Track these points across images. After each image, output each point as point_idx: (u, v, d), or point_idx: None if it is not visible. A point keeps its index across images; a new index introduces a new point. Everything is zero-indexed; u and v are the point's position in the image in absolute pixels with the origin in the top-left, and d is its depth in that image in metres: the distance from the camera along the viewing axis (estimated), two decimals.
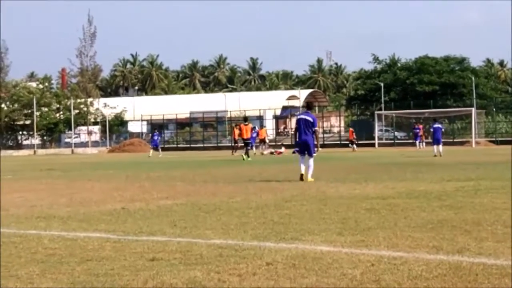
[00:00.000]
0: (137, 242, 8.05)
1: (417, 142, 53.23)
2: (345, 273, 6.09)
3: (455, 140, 69.90)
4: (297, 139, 19.06)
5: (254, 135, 48.02)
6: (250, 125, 41.96)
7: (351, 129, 59.55)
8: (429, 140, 57.41)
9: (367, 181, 17.40)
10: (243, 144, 39.69)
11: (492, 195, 12.79)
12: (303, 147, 18.49)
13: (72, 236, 8.68)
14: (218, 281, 5.94)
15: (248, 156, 36.82)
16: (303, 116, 18.92)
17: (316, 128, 18.74)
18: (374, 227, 8.90)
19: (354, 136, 57.31)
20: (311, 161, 18.37)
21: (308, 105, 20.44)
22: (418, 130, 54.86)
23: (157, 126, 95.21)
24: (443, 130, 39.18)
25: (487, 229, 8.50)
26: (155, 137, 53.12)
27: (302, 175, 17.99)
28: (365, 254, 6.93)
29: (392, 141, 71.37)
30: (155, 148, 51.66)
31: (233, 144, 47.86)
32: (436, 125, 37.76)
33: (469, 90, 78.46)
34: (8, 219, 10.75)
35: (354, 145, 54.70)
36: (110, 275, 6.24)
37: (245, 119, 42.90)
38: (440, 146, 36.49)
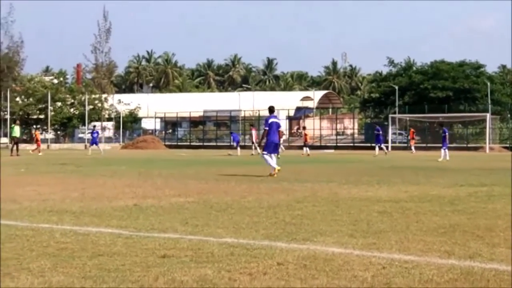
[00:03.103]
0: (149, 239, 8.06)
1: (377, 146, 49.70)
2: (356, 275, 6.08)
3: (468, 145, 69.68)
4: (269, 140, 21.22)
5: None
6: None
7: (306, 132, 55.02)
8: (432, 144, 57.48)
9: (380, 184, 17.38)
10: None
11: (505, 201, 12.73)
12: (274, 147, 21.32)
13: (84, 231, 8.70)
14: (229, 279, 5.94)
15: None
16: (275, 120, 21.55)
17: (281, 129, 21.79)
18: (386, 230, 8.88)
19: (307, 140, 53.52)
20: (275, 158, 21.44)
21: (271, 109, 22.04)
22: (378, 132, 52.51)
23: (170, 124, 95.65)
24: (445, 134, 39.53)
25: (499, 235, 8.46)
26: (94, 135, 52.91)
27: (278, 170, 20.60)
28: (376, 257, 6.91)
29: (406, 145, 71.17)
30: (96, 146, 51.19)
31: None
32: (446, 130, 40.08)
33: (483, 95, 78.16)
34: (21, 212, 10.80)
35: (307, 148, 49.83)
36: (121, 271, 6.25)
37: None
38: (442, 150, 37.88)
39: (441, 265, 6.54)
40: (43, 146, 70.60)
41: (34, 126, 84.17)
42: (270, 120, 21.33)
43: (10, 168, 24.92)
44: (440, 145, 39.16)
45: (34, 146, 51.56)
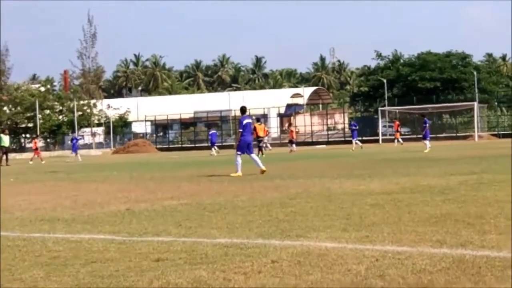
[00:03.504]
0: (142, 243, 8.05)
1: (354, 140, 49.99)
2: (350, 269, 6.10)
3: (458, 134, 69.96)
4: (242, 141, 21.43)
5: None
6: (263, 125, 44.50)
7: (292, 129, 54.22)
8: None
9: (372, 176, 17.43)
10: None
11: (495, 188, 12.80)
12: (247, 147, 21.49)
13: (77, 238, 8.68)
14: (224, 280, 5.94)
15: (263, 154, 39.98)
16: (249, 120, 21.90)
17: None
18: (379, 222, 8.91)
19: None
20: (255, 156, 21.93)
21: (244, 110, 22.13)
22: (354, 127, 52.26)
23: (161, 126, 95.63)
24: (425, 125, 39.44)
25: (490, 222, 8.51)
26: (73, 141, 52.97)
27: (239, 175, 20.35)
28: (369, 250, 6.93)
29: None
30: (76, 153, 51.18)
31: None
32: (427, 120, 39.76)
33: (470, 84, 78.53)
34: (12, 222, 10.77)
35: (294, 145, 49.97)
36: (115, 277, 6.24)
37: (258, 119, 46.14)
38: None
39: (434, 254, 6.57)
40: (32, 154, 70.60)
41: (28, 135, 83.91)
42: (245, 121, 21.57)
43: (0, 179, 24.81)
44: (427, 136, 38.96)
45: (38, 154, 51.56)
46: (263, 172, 20.54)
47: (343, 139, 74.39)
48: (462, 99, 74.56)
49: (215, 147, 51.54)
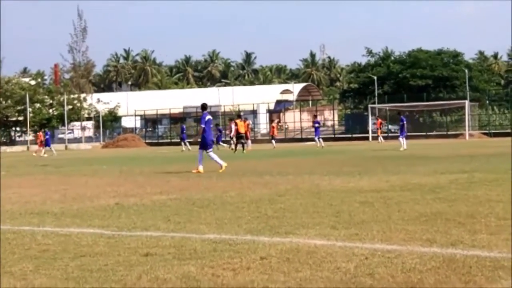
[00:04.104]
0: (131, 238, 8.04)
1: (316, 138, 48.21)
2: (339, 267, 6.09)
3: (448, 132, 70.06)
4: (208, 138, 21.39)
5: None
6: (244, 121, 44.30)
7: (273, 125, 53.74)
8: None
9: (361, 174, 17.42)
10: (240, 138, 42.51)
11: (486, 187, 12.81)
12: (212, 143, 21.49)
13: (66, 232, 8.66)
14: (212, 275, 5.93)
15: (243, 150, 40.09)
16: (210, 116, 21.68)
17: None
18: (368, 220, 8.90)
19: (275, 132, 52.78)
20: (202, 154, 21.11)
21: (205, 107, 22.09)
22: (317, 124, 51.50)
23: (150, 121, 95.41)
24: (403, 123, 39.25)
25: (480, 221, 8.51)
26: (47, 137, 52.77)
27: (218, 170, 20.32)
28: (359, 248, 6.93)
29: (386, 134, 71.44)
30: (49, 148, 50.79)
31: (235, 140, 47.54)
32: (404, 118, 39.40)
33: (461, 82, 78.61)
34: (2, 215, 10.74)
35: (273, 141, 49.60)
36: (104, 271, 6.23)
37: (239, 115, 45.96)
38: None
39: (424, 253, 6.57)
40: (23, 148, 70.40)
41: (18, 128, 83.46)
42: (207, 118, 21.44)
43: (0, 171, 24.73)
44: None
45: (39, 148, 51.27)
46: (197, 171, 20.39)
47: (332, 136, 74.42)
48: (453, 97, 74.60)
49: (182, 144, 51.34)
